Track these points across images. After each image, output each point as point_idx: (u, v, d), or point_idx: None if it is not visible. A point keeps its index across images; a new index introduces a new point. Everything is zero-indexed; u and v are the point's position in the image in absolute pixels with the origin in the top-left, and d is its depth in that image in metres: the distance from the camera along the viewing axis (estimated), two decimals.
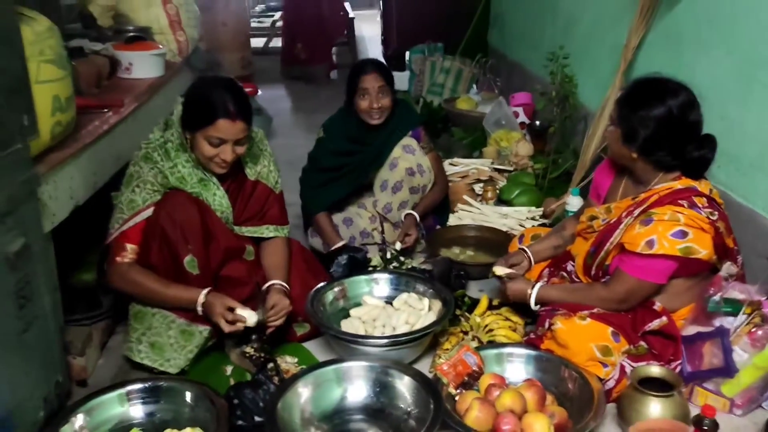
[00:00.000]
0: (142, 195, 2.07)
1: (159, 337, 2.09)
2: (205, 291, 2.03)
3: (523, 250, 2.37)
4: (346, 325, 2.21)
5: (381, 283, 2.38)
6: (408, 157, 2.81)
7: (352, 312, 2.27)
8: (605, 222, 2.11)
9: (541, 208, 3.23)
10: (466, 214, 3.20)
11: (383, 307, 2.28)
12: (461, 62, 5.22)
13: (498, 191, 3.42)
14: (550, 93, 3.53)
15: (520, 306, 2.25)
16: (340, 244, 2.75)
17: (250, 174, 2.26)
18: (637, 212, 1.98)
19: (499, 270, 2.28)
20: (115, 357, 2.25)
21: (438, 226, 3.03)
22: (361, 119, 2.79)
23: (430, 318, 2.17)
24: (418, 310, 2.22)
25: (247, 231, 2.26)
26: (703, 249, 1.89)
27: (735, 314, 1.90)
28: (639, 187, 2.09)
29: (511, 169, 3.67)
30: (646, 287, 1.97)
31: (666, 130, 1.93)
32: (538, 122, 4.00)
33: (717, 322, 1.93)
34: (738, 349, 1.85)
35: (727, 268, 1.96)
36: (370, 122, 2.77)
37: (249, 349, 2.11)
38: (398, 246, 2.69)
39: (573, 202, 2.92)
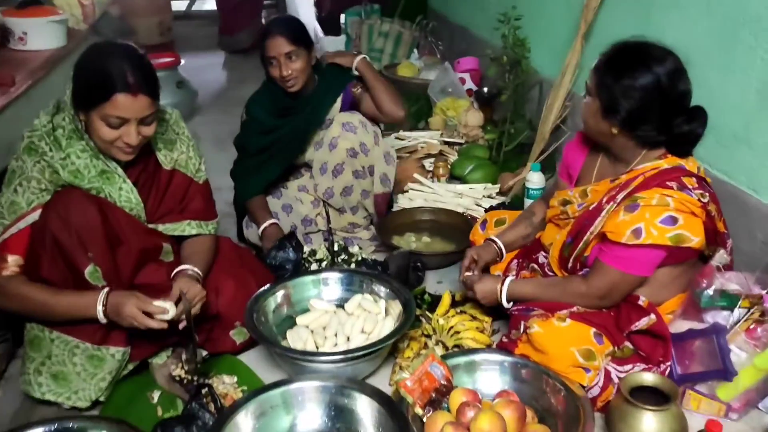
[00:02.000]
0: (26, 195, 1.71)
1: (62, 367, 1.75)
2: (104, 291, 1.69)
3: (492, 240, 2.11)
4: (292, 336, 1.92)
5: (330, 284, 2.09)
6: (348, 136, 2.45)
7: (299, 320, 1.98)
8: (582, 207, 1.88)
9: (498, 185, 3.00)
10: (418, 194, 2.93)
11: (334, 312, 2.00)
12: (401, 25, 4.91)
13: (450, 167, 3.16)
14: (500, 58, 3.27)
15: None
16: (270, 222, 2.46)
17: (165, 162, 1.91)
18: (620, 197, 1.76)
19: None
20: (15, 388, 1.88)
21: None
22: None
23: (388, 323, 1.91)
24: (374, 315, 1.95)
25: (164, 228, 1.92)
26: (695, 236, 1.68)
27: (731, 308, 1.71)
28: (618, 166, 1.86)
29: (462, 141, 3.42)
30: (630, 281, 1.76)
31: (653, 101, 1.70)
32: (485, 89, 3.73)
33: (709, 317, 1.74)
34: (735, 348, 1.66)
35: (720, 256, 1.76)
36: (288, 90, 2.45)
37: (179, 371, 1.83)
38: None
39: (533, 178, 2.70)
